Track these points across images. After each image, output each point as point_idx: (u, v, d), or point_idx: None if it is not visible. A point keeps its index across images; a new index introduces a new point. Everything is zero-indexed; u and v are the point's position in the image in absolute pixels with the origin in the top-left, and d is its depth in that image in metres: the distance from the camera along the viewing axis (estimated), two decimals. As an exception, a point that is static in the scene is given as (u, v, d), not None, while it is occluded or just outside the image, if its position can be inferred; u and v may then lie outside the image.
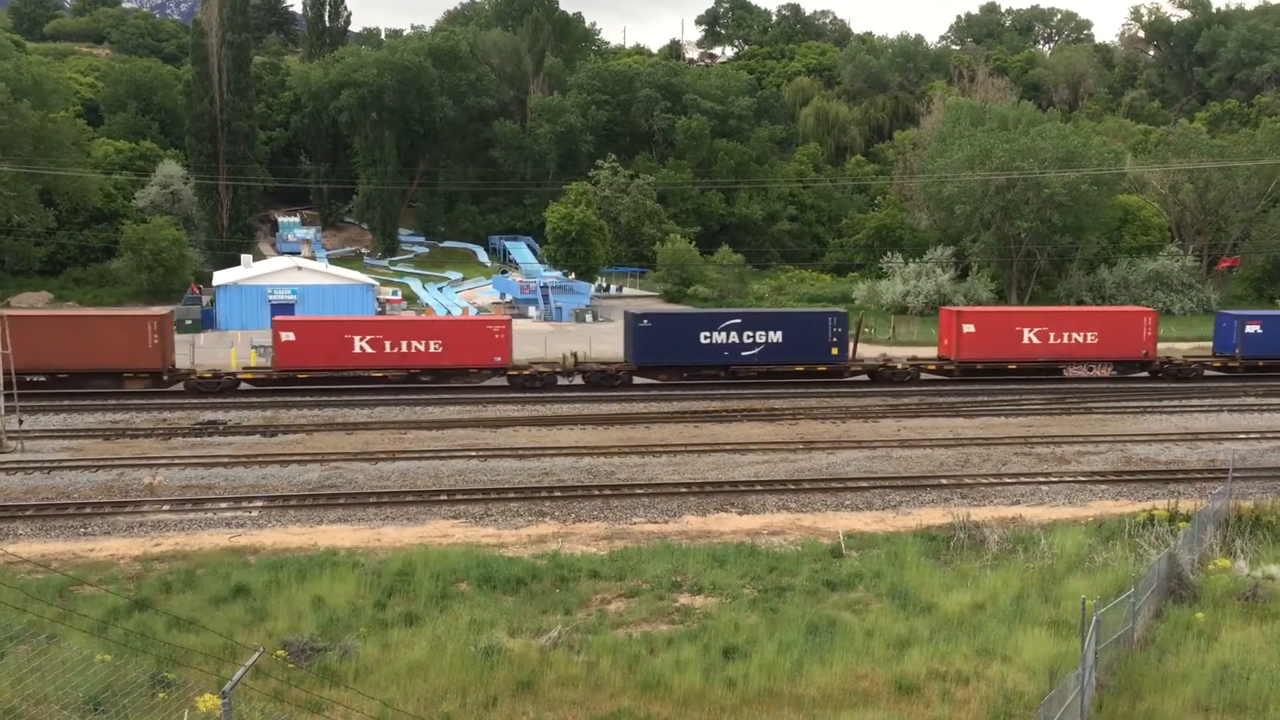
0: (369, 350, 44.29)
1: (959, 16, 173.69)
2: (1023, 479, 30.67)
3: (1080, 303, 79.52)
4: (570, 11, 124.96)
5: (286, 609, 19.33)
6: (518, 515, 26.77)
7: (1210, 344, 54.33)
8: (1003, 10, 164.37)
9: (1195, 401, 44.19)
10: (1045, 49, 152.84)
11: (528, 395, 44.51)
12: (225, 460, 31.85)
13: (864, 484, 29.93)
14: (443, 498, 28.00)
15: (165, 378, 43.67)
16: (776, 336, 46.91)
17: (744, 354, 46.83)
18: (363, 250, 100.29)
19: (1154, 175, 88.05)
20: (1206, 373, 50.86)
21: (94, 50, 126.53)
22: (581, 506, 27.47)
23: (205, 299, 72.89)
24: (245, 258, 76.84)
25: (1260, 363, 50.40)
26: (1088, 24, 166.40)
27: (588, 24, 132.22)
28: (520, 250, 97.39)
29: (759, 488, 29.34)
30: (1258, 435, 37.35)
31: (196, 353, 51.42)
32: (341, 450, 33.55)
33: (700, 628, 18.86)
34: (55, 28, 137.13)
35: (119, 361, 43.01)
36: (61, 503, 27.05)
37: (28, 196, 73.99)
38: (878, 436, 36.66)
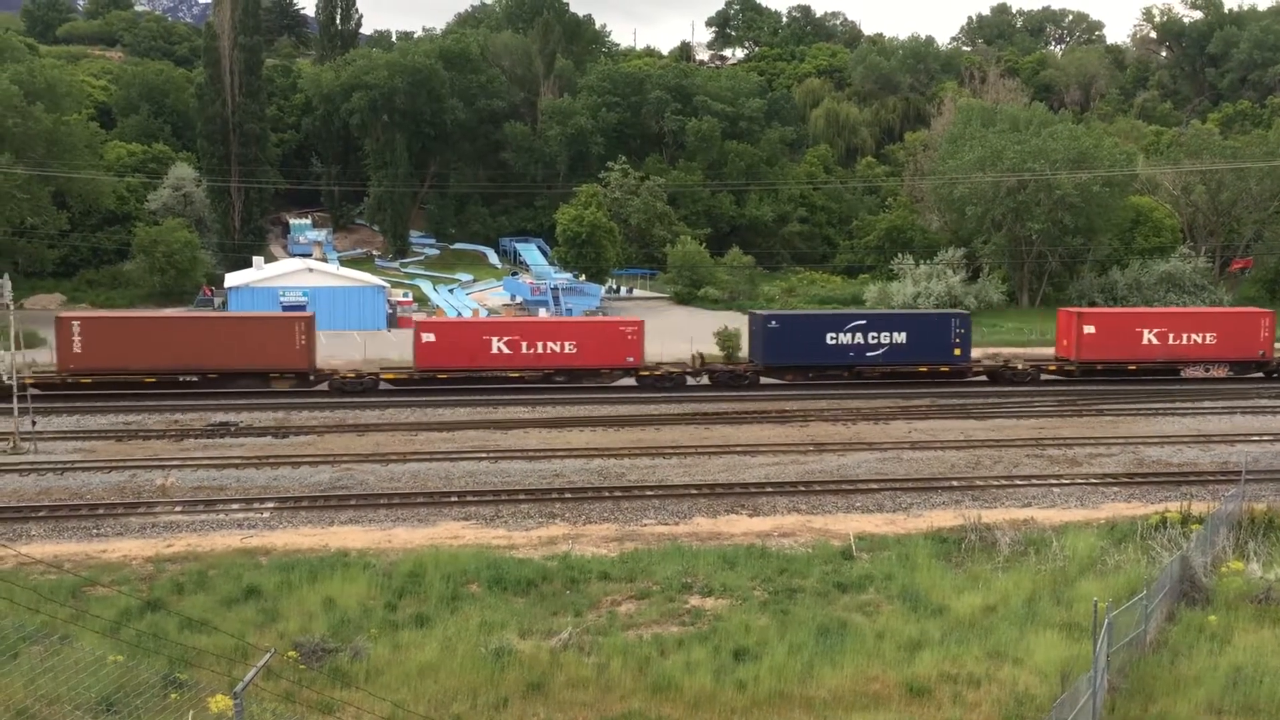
0: (506, 351, 45.30)
1: (970, 18, 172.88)
2: (1034, 481, 30.59)
3: (1091, 304, 79.28)
4: (581, 14, 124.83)
5: (298, 610, 19.38)
6: (528, 517, 26.79)
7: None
8: (1014, 11, 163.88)
9: (1208, 403, 44.02)
10: (1057, 50, 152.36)
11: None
12: (237, 462, 31.94)
13: (875, 486, 29.88)
14: (453, 499, 28.04)
15: (311, 378, 44.46)
16: (901, 337, 47.53)
17: (869, 354, 47.44)
18: (374, 252, 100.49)
19: (1166, 176, 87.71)
20: None
21: (107, 53, 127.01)
22: (592, 508, 27.48)
23: (217, 301, 73.14)
24: (257, 260, 77.07)
25: None
26: (1099, 25, 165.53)
27: (598, 26, 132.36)
28: (531, 252, 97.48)
29: (769, 489, 29.32)
30: (1270, 437, 37.17)
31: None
32: (353, 452, 33.63)
33: (711, 629, 18.85)
34: (68, 31, 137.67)
35: (267, 362, 43.88)
36: (74, 504, 27.15)
37: (41, 199, 74.26)
38: (888, 438, 36.60)
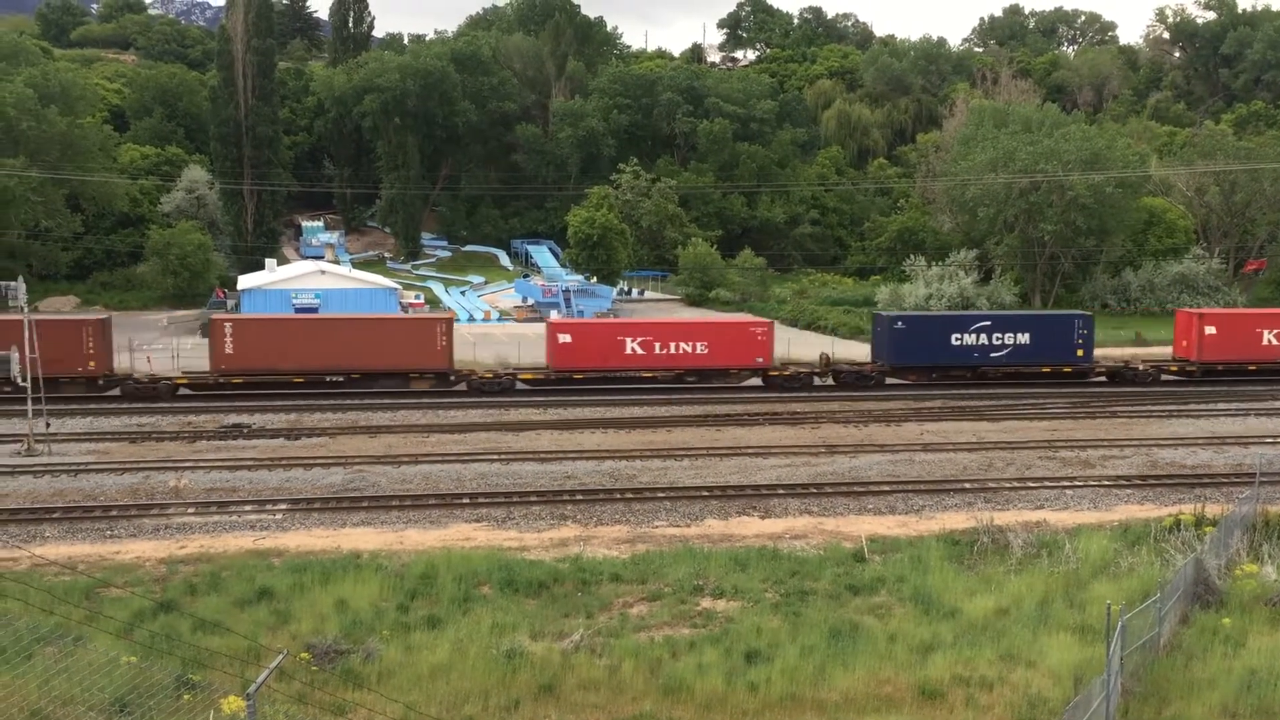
0: (640, 351, 45.75)
1: (982, 19, 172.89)
2: (1047, 483, 30.49)
3: (1105, 306, 79.05)
4: (592, 16, 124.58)
5: (310, 611, 19.43)
6: (540, 518, 26.81)
7: None
8: (1026, 12, 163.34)
9: (1222, 405, 43.83)
10: (1069, 51, 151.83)
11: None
12: (249, 463, 32.03)
13: (887, 488, 29.82)
14: (465, 501, 28.08)
15: (451, 378, 44.91)
16: (1024, 338, 47.89)
17: (993, 355, 47.79)
18: (385, 254, 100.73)
19: (1179, 177, 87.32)
20: None
21: (120, 56, 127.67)
22: (603, 510, 27.49)
23: (230, 303, 73.33)
24: (269, 262, 77.25)
25: None
26: (1112, 26, 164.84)
27: (609, 28, 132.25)
28: (542, 254, 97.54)
29: (781, 491, 29.28)
30: (1285, 439, 37.00)
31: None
32: (365, 453, 33.69)
33: (722, 631, 18.84)
34: (82, 34, 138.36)
35: (409, 362, 44.38)
36: (88, 505, 27.25)
37: (55, 201, 74.69)
38: (900, 440, 36.52)
